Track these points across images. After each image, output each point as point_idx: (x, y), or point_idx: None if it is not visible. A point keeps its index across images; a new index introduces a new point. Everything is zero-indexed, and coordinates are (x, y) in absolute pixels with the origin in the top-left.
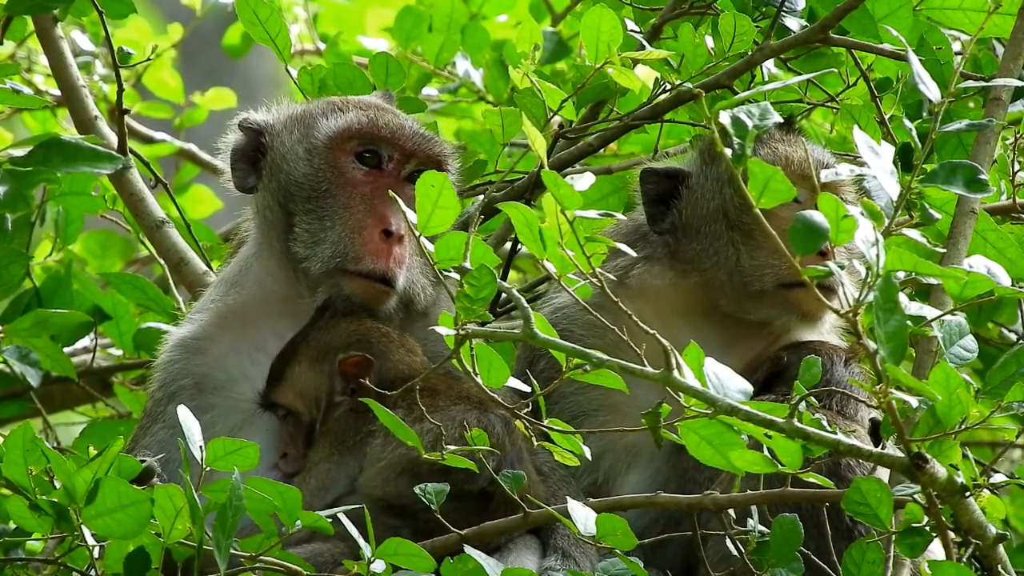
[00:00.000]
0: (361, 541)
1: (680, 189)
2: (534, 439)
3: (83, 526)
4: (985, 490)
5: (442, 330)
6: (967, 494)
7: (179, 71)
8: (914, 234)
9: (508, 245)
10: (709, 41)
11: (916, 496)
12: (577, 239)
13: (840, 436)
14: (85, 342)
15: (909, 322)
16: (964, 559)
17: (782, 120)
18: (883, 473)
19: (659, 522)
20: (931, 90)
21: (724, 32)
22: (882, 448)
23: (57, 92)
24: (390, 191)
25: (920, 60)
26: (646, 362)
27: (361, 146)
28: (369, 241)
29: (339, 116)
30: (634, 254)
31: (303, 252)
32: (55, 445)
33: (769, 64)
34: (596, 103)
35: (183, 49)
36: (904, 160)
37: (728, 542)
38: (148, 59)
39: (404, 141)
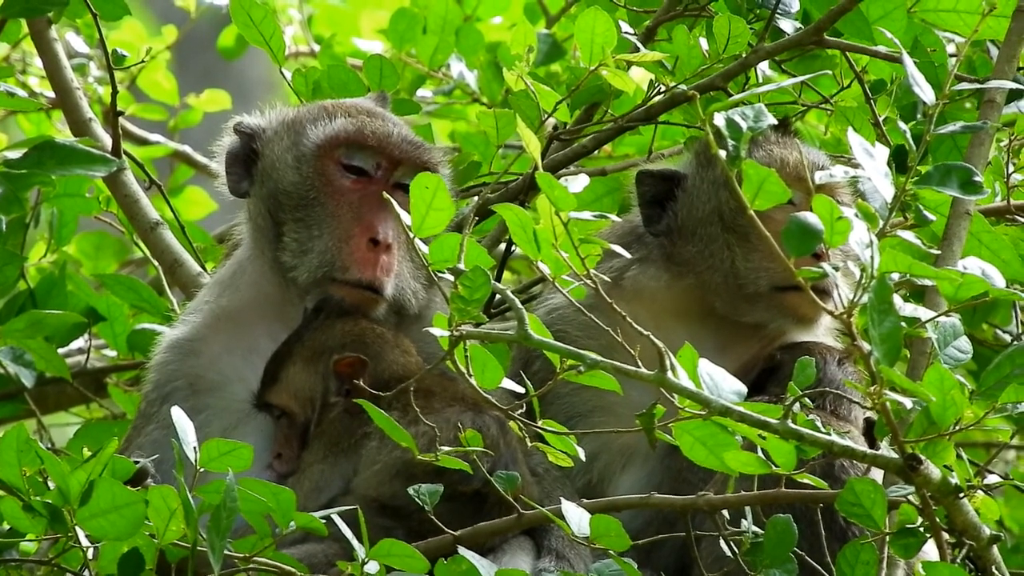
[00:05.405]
0: (355, 542)
1: (676, 191)
2: (528, 440)
3: (77, 527)
4: (979, 491)
5: (436, 331)
6: (961, 495)
7: (173, 73)
8: (909, 236)
9: (502, 247)
10: (703, 43)
11: (910, 497)
12: (571, 241)
13: (834, 437)
14: (79, 343)
15: (903, 323)
16: (958, 560)
17: (777, 122)
18: (877, 474)
19: (653, 523)
20: (925, 92)
21: (718, 34)
22: (876, 449)
23: (52, 94)
24: (384, 193)
25: (914, 62)
26: (640, 363)
27: (348, 154)
28: (356, 250)
29: (326, 124)
30: (629, 256)
31: (291, 261)
32: (49, 446)
33: (763, 66)
34: (590, 105)
35: (177, 51)
36: (899, 162)
37: (722, 543)
38: (142, 61)
39: (391, 148)
